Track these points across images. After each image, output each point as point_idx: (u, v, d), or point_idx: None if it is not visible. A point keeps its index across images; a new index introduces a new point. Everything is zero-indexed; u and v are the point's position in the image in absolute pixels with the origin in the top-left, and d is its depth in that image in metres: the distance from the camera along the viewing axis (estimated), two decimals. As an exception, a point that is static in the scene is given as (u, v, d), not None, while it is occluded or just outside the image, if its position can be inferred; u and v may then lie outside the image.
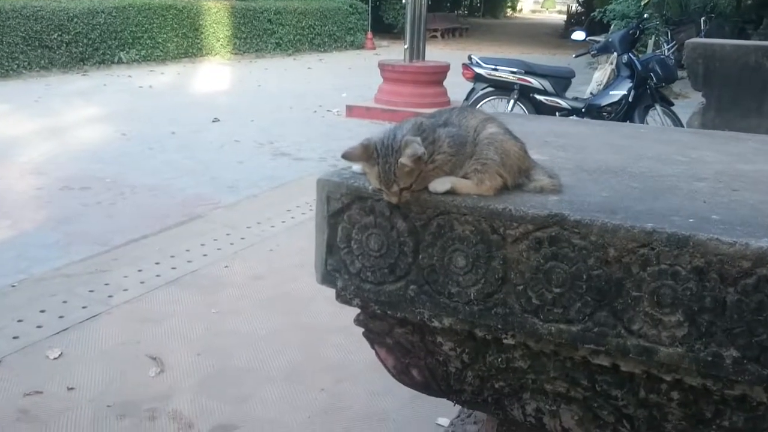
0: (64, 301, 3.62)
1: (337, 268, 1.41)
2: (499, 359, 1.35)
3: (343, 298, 1.42)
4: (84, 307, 3.56)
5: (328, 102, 10.65)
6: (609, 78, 8.03)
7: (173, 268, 4.11)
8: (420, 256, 1.32)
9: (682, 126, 6.34)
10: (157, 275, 4.00)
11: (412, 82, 9.78)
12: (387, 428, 2.70)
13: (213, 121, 8.91)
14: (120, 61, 14.33)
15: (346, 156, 1.33)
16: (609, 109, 7.26)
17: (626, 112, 7.19)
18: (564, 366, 1.29)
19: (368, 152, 1.30)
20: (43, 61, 12.89)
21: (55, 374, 2.95)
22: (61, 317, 3.44)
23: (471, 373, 1.40)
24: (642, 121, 7.15)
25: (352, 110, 9.79)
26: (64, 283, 3.85)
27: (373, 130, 8.39)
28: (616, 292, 1.16)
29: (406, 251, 1.33)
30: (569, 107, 7.35)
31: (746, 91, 4.63)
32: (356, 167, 1.41)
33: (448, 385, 1.45)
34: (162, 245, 4.48)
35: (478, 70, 7.47)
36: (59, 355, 3.10)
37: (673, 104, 7.43)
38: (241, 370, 3.06)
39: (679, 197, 1.34)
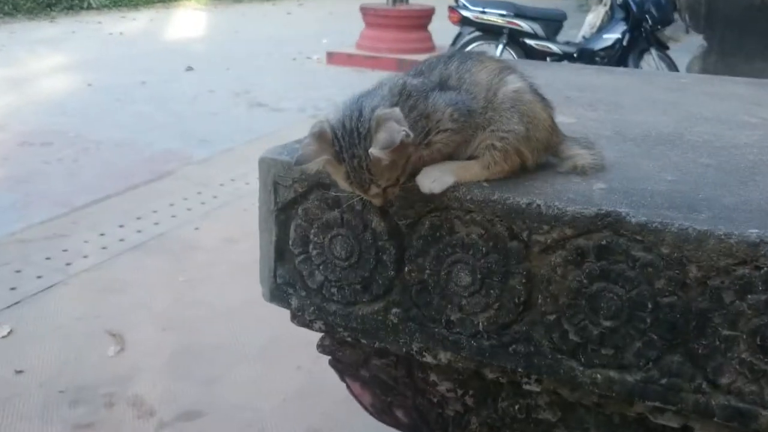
0: (18, 271, 3.42)
1: (290, 281, 1.04)
2: (517, 407, 1.00)
3: (300, 320, 1.06)
4: (39, 277, 3.37)
5: (308, 49, 10.35)
6: (602, 20, 7.85)
7: (138, 232, 3.91)
8: (406, 269, 0.96)
9: (677, 71, 6.15)
10: (121, 239, 3.80)
11: (395, 26, 9.56)
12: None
13: (186, 70, 8.62)
14: (89, 7, 13.81)
15: (300, 161, 0.91)
16: (602, 53, 7.09)
17: (620, 56, 7.01)
18: (610, 422, 0.94)
19: (326, 143, 0.89)
20: (6, 7, 12.39)
21: (3, 355, 2.79)
22: (13, 289, 3.25)
23: (476, 420, 1.05)
24: (636, 65, 6.98)
25: (333, 57, 9.55)
26: (18, 249, 3.64)
27: (354, 79, 8.16)
28: (698, 329, 0.82)
29: (386, 261, 0.96)
30: (561, 52, 7.16)
31: (751, 33, 4.37)
32: (313, 166, 0.94)
33: (445, 431, 1.08)
34: (127, 206, 4.26)
35: (465, 13, 7.24)
36: (8, 333, 2.93)
37: (668, 48, 7.28)
38: (211, 346, 2.90)
39: (776, 181, 0.96)
